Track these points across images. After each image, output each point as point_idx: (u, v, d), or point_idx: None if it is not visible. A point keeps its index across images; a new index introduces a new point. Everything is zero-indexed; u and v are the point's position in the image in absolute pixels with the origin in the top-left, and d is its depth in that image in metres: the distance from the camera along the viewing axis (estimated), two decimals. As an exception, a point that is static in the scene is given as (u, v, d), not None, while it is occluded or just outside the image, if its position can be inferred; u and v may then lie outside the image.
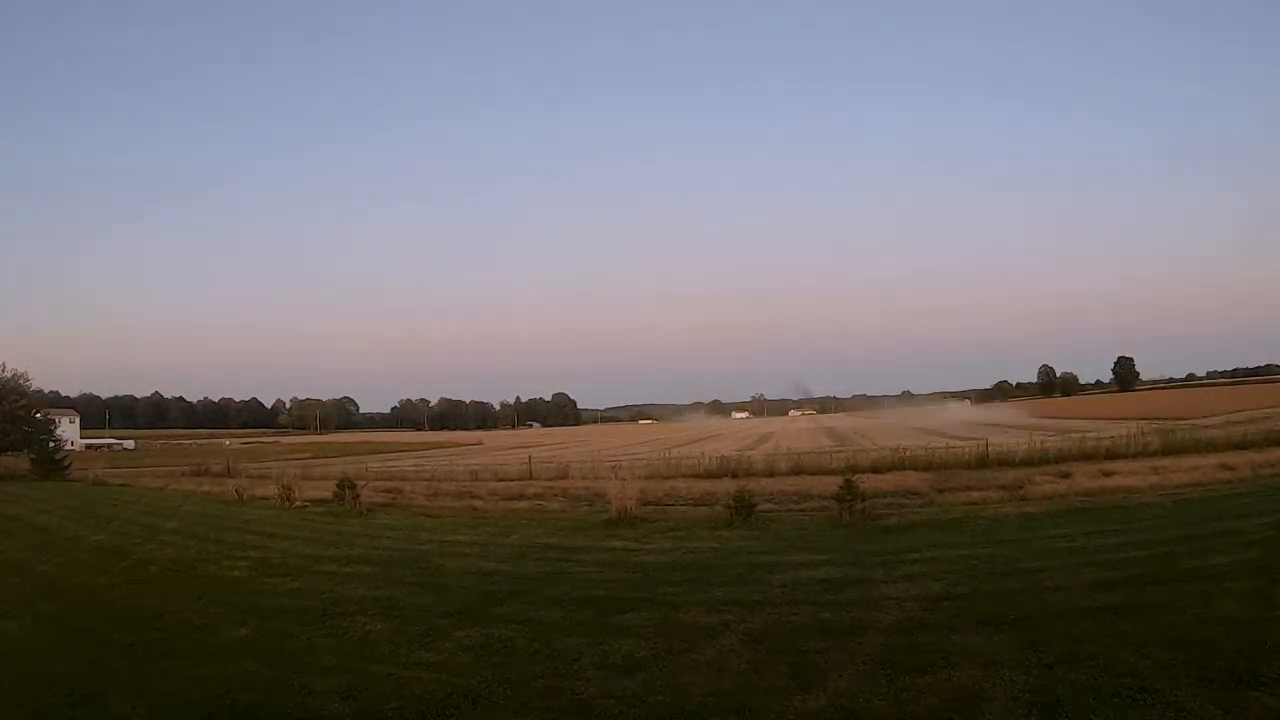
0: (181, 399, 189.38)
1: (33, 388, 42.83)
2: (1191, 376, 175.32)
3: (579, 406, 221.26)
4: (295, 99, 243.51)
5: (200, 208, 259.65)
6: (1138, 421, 32.06)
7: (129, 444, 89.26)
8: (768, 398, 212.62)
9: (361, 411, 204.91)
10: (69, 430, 69.07)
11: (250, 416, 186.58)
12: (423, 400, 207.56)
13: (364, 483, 17.49)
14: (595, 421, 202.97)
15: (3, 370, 40.51)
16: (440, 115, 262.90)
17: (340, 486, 16.14)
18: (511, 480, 23.65)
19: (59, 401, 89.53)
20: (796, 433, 70.25)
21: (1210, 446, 21.57)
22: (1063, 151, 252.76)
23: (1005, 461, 21.90)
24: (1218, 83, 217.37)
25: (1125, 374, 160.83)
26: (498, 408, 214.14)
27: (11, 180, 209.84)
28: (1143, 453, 21.77)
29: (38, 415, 42.02)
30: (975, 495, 14.16)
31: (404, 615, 6.73)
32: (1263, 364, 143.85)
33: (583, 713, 4.37)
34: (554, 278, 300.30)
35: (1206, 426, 29.23)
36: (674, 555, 9.36)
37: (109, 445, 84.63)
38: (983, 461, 22.14)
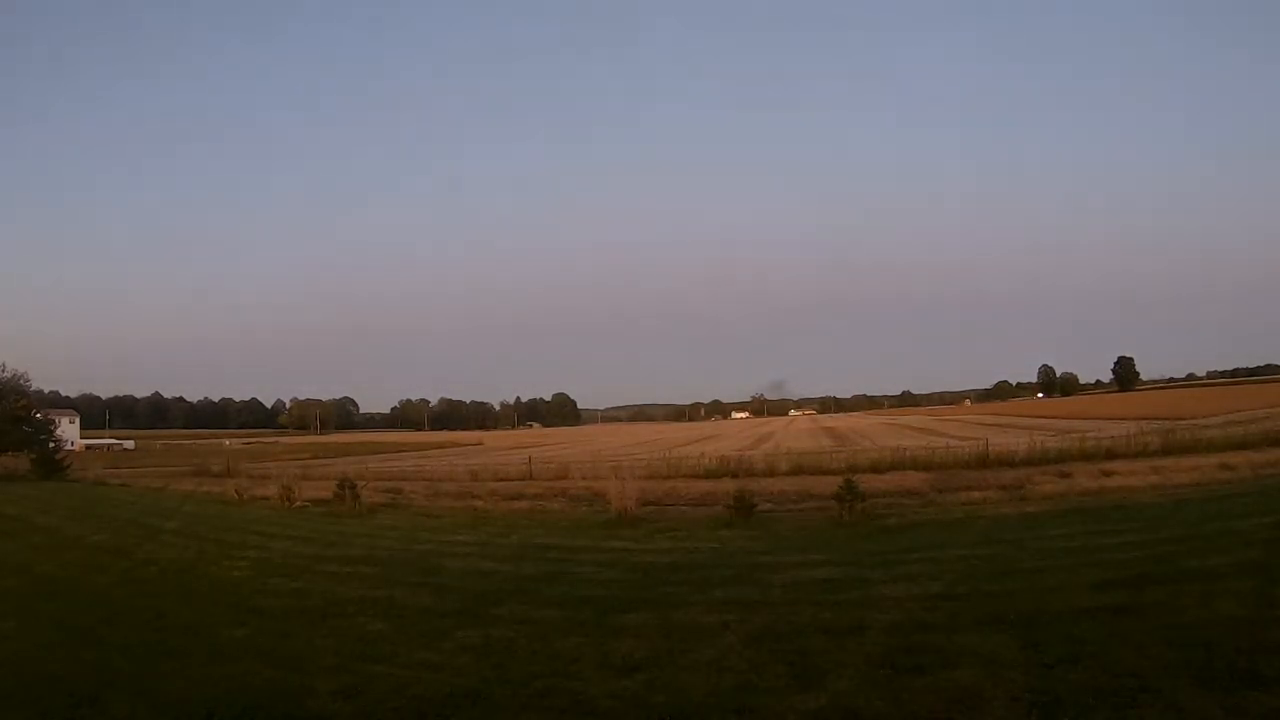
0: (181, 399, 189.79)
1: (33, 388, 42.91)
2: (1191, 376, 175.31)
3: (579, 406, 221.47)
4: (293, 97, 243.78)
5: (200, 207, 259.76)
6: (1138, 421, 32.07)
7: (129, 444, 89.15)
8: (765, 398, 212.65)
9: (361, 411, 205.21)
10: (69, 430, 68.99)
11: (250, 416, 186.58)
12: (423, 400, 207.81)
13: (364, 483, 17.51)
14: (595, 421, 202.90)
15: (3, 370, 40.53)
16: (438, 114, 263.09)
17: (340, 487, 16.15)
18: (512, 480, 23.66)
19: (59, 401, 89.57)
20: (796, 433, 70.19)
21: (1210, 446, 21.58)
22: (1062, 151, 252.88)
23: (1005, 461, 21.92)
24: (1218, 84, 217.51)
25: (1125, 374, 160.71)
26: (498, 408, 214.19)
27: (11, 180, 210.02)
28: (1143, 453, 21.79)
29: (38, 415, 42.00)
30: (975, 495, 14.18)
31: (404, 615, 6.72)
32: (1263, 364, 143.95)
33: (583, 713, 4.37)
34: (554, 277, 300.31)
35: (1206, 426, 29.18)
36: (674, 555, 9.37)
37: (109, 445, 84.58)
38: (983, 461, 22.16)
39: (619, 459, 31.44)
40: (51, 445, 37.22)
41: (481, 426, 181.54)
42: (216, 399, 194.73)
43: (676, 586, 7.48)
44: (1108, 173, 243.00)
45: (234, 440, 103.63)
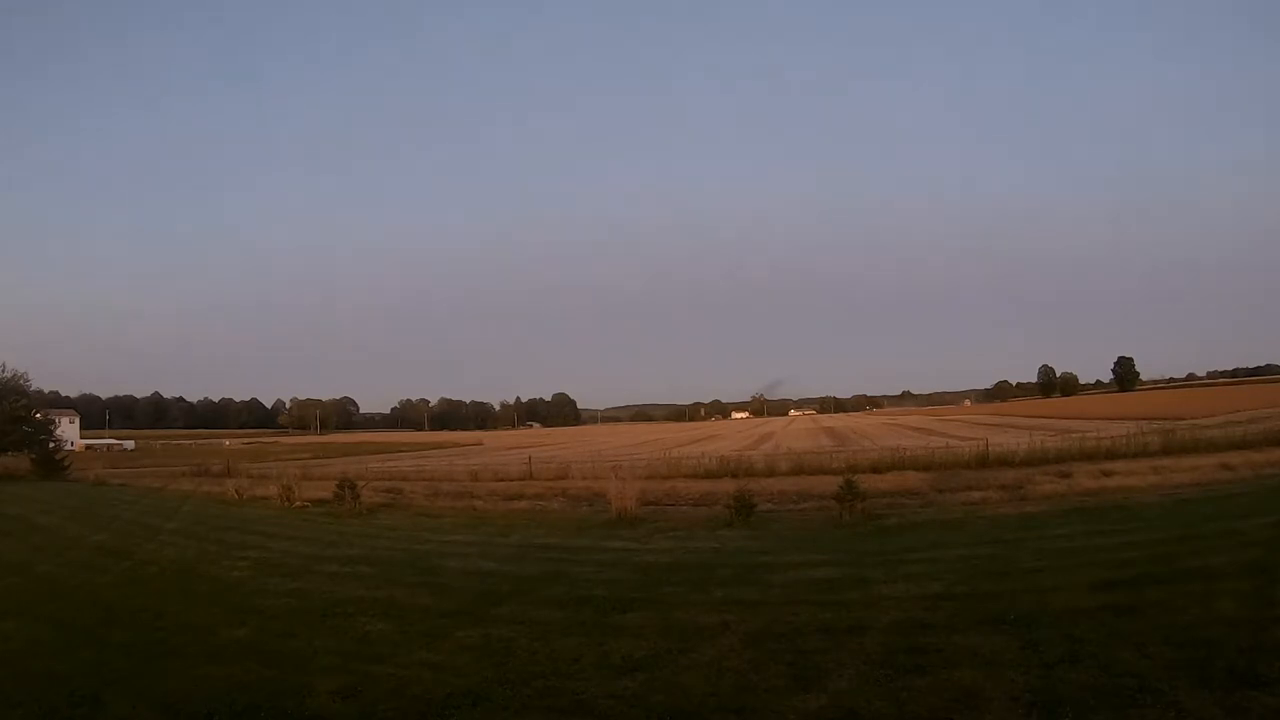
0: (181, 399, 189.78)
1: (33, 388, 42.96)
2: (1191, 376, 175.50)
3: (579, 406, 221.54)
4: (295, 97, 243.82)
5: (200, 207, 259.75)
6: (1138, 421, 32.04)
7: (129, 444, 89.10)
8: (765, 398, 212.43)
9: (361, 411, 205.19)
10: (69, 430, 69.12)
11: (250, 416, 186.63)
12: (423, 400, 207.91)
13: (364, 483, 17.49)
14: (595, 421, 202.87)
15: (3, 370, 40.57)
16: (437, 114, 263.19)
17: (340, 487, 16.13)
18: (511, 480, 23.62)
19: (59, 401, 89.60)
20: (796, 432, 70.17)
21: (1210, 446, 21.55)
22: (1062, 151, 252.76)
23: (1005, 461, 21.88)
24: (1218, 84, 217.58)
25: (1125, 374, 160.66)
26: (498, 408, 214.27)
27: (11, 179, 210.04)
28: (1143, 453, 21.74)
29: (38, 415, 42.05)
30: (975, 495, 14.17)
31: (404, 615, 6.73)
32: (1263, 364, 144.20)
33: (583, 713, 4.37)
34: (554, 277, 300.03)
35: (1206, 426, 29.17)
36: (674, 555, 9.36)
37: (109, 445, 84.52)
38: (983, 461, 22.12)
39: (619, 459, 31.40)
40: (51, 445, 37.24)
41: (481, 426, 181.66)
42: (216, 399, 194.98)
43: (676, 586, 7.48)
44: (1108, 172, 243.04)
45: (234, 440, 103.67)
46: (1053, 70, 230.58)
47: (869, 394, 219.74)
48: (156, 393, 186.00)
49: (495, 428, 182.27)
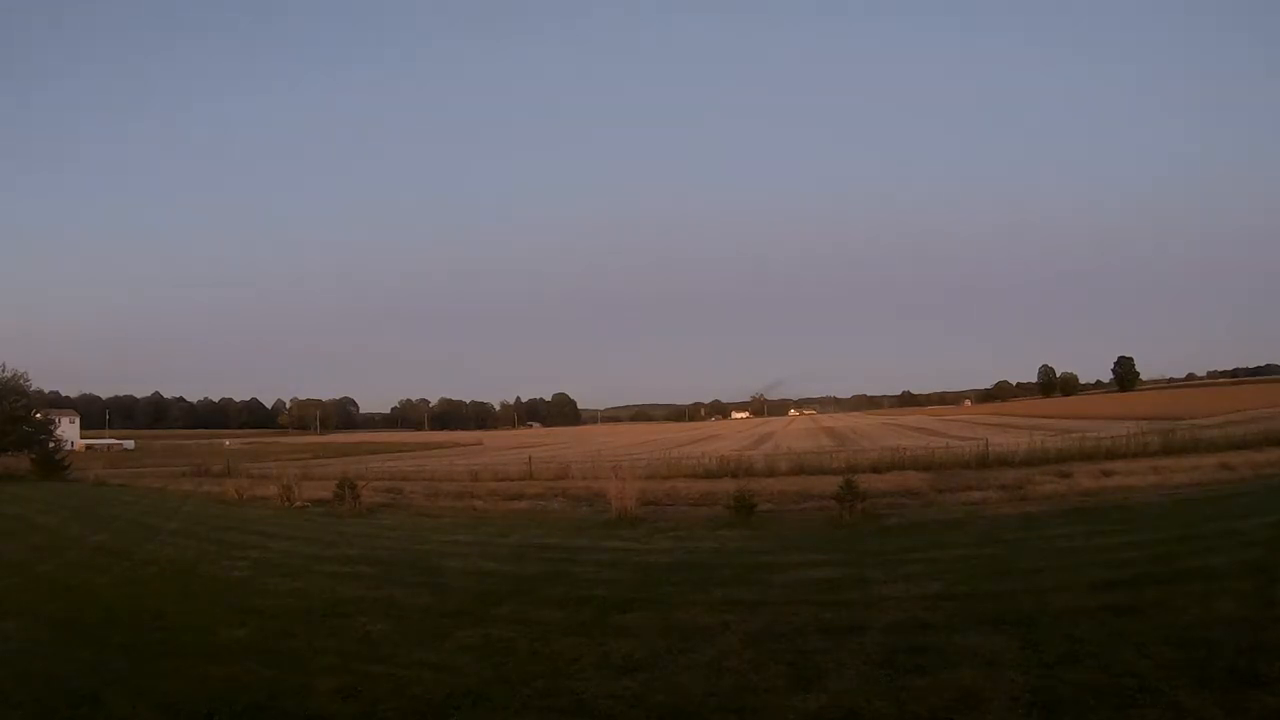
0: (181, 399, 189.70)
1: (33, 388, 42.82)
2: (1191, 376, 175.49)
3: (579, 406, 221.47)
4: (296, 99, 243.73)
5: (201, 207, 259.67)
6: (1138, 421, 32.02)
7: (129, 444, 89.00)
8: (765, 398, 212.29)
9: (361, 411, 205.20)
10: (69, 430, 68.99)
11: (250, 416, 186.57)
12: (423, 400, 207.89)
13: (364, 483, 17.49)
14: (595, 421, 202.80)
15: (3, 370, 40.49)
16: (436, 114, 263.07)
17: (340, 487, 16.13)
18: (511, 480, 23.59)
19: (59, 401, 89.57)
20: (796, 433, 70.14)
21: (1210, 446, 21.53)
22: (1063, 151, 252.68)
23: (1005, 461, 21.87)
24: (1220, 84, 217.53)
25: (1125, 374, 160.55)
26: (498, 408, 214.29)
27: (12, 178, 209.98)
28: (1143, 453, 21.73)
29: (38, 415, 41.97)
30: (975, 495, 14.17)
31: (404, 615, 6.73)
32: (1263, 364, 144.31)
33: (583, 713, 4.37)
34: (554, 277, 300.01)
35: (1206, 426, 29.15)
36: (674, 555, 9.37)
37: (109, 445, 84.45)
38: (983, 461, 22.10)
39: (619, 459, 31.33)
40: (51, 445, 37.15)
41: (481, 426, 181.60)
42: (216, 399, 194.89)
43: (676, 586, 7.48)
44: (1109, 172, 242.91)
45: (234, 440, 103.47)
46: (1052, 69, 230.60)
47: (869, 394, 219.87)
48: (156, 393, 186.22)
49: (495, 428, 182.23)
